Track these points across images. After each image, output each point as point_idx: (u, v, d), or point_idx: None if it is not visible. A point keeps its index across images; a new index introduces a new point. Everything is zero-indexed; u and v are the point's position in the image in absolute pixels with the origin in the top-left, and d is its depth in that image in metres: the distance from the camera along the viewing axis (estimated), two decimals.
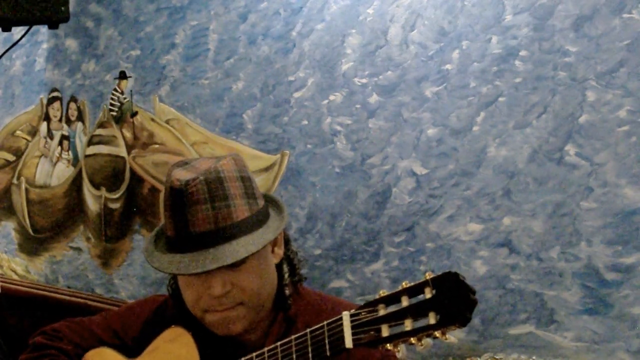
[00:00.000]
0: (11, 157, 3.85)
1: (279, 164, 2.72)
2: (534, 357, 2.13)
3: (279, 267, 1.51)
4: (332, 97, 2.57)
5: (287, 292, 1.51)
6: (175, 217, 1.39)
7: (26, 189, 3.76)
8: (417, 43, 2.37)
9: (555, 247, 2.09)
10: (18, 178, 3.80)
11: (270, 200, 1.52)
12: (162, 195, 3.13)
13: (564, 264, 2.08)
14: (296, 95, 2.67)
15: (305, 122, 2.65)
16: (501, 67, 2.19)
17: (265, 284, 1.45)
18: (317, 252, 2.59)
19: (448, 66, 2.30)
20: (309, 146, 2.64)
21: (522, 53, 2.15)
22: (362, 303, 1.23)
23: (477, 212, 2.24)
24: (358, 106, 2.50)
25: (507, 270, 2.18)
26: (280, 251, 1.52)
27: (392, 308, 1.16)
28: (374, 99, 2.46)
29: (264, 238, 1.41)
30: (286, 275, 1.52)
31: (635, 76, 1.96)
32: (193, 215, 1.37)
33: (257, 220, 1.43)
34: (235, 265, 1.39)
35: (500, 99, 2.19)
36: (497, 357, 2.19)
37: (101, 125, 3.40)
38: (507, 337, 2.18)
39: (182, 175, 1.41)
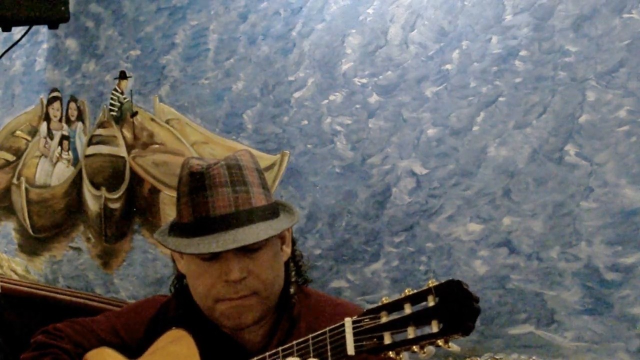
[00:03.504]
0: (11, 157, 3.85)
1: (279, 164, 2.72)
2: (534, 357, 2.13)
3: (285, 266, 1.52)
4: (332, 97, 2.57)
5: (292, 290, 1.51)
6: (195, 200, 1.41)
7: (26, 189, 3.76)
8: (417, 43, 2.37)
9: (555, 247, 2.09)
10: (18, 178, 3.80)
11: (279, 203, 1.53)
12: (161, 196, 3.14)
13: (564, 264, 2.08)
14: (296, 95, 2.67)
15: (305, 122, 2.65)
16: (501, 67, 2.19)
17: (276, 277, 1.47)
18: (317, 252, 2.59)
19: (448, 66, 2.30)
20: (309, 146, 2.64)
21: (522, 53, 2.15)
22: (362, 303, 1.23)
23: (477, 212, 2.24)
24: (358, 106, 2.50)
25: (507, 270, 2.18)
26: (288, 250, 1.53)
27: (395, 315, 1.15)
28: (374, 99, 2.46)
29: (281, 225, 1.44)
30: (293, 273, 1.53)
31: (635, 76, 1.96)
32: (214, 198, 1.39)
33: (273, 211, 1.46)
34: (251, 252, 1.41)
35: (500, 99, 2.19)
36: (497, 357, 2.19)
37: (101, 125, 3.40)
38: (507, 337, 2.18)
39: (201, 162, 1.45)
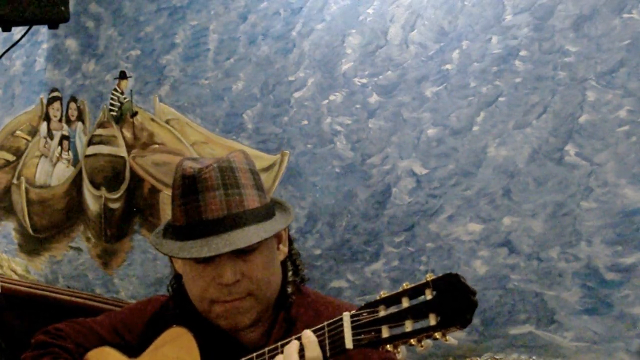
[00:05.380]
0: (11, 157, 3.85)
1: (279, 164, 2.72)
2: (534, 357, 2.13)
3: (282, 265, 1.52)
4: (332, 97, 2.57)
5: (289, 290, 1.51)
6: (188, 203, 1.41)
7: (26, 189, 3.76)
8: (417, 43, 2.37)
9: (555, 247, 2.09)
10: (18, 178, 3.80)
11: (275, 202, 1.53)
12: (161, 196, 3.14)
13: (564, 264, 2.08)
14: (296, 95, 2.67)
15: (305, 122, 2.65)
16: (501, 67, 2.19)
17: (272, 277, 1.47)
18: (317, 252, 2.59)
19: (448, 66, 2.30)
20: (309, 146, 2.64)
21: (522, 53, 2.15)
22: (362, 303, 1.23)
23: (477, 212, 2.24)
24: (358, 106, 2.50)
25: (507, 270, 2.18)
26: (284, 249, 1.53)
27: (393, 309, 1.15)
28: (374, 99, 2.46)
29: (274, 227, 1.43)
30: (290, 273, 1.53)
31: (635, 76, 1.96)
32: (206, 201, 1.39)
33: (267, 212, 1.45)
34: (245, 254, 1.41)
35: (500, 99, 2.19)
36: (497, 357, 2.19)
37: (101, 125, 3.40)
38: (507, 337, 2.18)
39: (194, 164, 1.43)
